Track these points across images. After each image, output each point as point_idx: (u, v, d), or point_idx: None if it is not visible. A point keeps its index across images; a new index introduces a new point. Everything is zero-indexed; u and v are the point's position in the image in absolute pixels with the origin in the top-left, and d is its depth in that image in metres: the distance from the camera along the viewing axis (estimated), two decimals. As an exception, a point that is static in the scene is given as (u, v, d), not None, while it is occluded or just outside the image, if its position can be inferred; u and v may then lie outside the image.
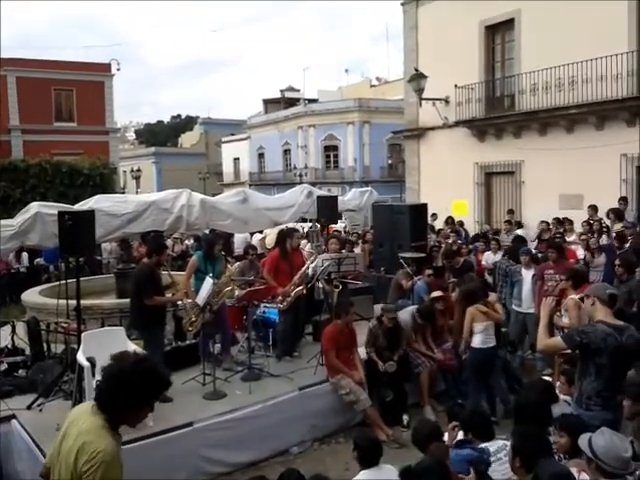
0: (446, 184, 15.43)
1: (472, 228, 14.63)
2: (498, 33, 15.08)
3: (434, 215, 13.99)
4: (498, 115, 14.59)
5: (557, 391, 4.32)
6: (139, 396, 2.47)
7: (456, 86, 14.95)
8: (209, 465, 5.45)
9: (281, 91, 43.02)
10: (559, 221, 11.41)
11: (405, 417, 6.42)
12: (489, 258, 9.96)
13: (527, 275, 8.05)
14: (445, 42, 15.37)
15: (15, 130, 28.34)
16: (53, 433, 5.04)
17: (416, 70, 15.24)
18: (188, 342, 7.10)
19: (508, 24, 14.49)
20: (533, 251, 9.10)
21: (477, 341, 6.19)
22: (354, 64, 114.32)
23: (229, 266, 7.00)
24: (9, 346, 6.97)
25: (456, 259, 9.12)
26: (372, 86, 40.86)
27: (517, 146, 14.21)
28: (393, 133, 22.90)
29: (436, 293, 7.31)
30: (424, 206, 10.68)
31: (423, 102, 15.59)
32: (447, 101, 15.62)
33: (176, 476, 5.19)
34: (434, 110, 15.75)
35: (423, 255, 8.86)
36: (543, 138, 13.69)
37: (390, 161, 33.92)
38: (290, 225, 9.64)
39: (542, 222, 11.76)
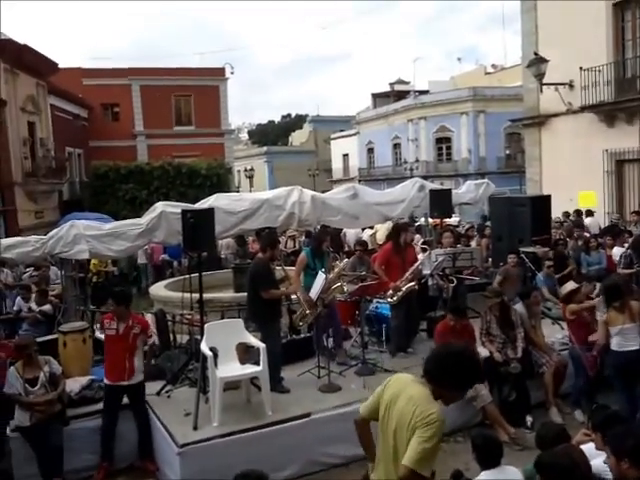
0: (571, 174, 14.41)
1: (603, 220, 13.53)
2: (628, 9, 13.85)
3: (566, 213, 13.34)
4: (630, 98, 13.35)
5: None
6: (463, 378, 2.81)
7: (581, 69, 13.89)
8: (324, 457, 5.50)
9: (390, 84, 42.57)
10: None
11: (529, 418, 6.08)
12: (619, 253, 9.13)
13: None
14: (567, 22, 14.34)
15: (140, 135, 30.61)
16: (180, 417, 5.41)
17: (536, 54, 14.37)
18: (302, 335, 7.23)
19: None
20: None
21: (614, 343, 5.68)
22: (467, 52, 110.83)
23: (337, 262, 7.01)
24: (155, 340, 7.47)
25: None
26: (487, 74, 39.21)
27: (653, 130, 12.94)
28: (511, 122, 21.80)
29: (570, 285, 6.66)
30: (547, 198, 10.00)
31: (544, 88, 14.66)
32: (571, 85, 14.58)
33: (291, 466, 5.30)
34: (556, 96, 14.76)
35: (546, 250, 8.31)
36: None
37: (508, 151, 32.27)
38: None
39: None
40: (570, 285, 6.58)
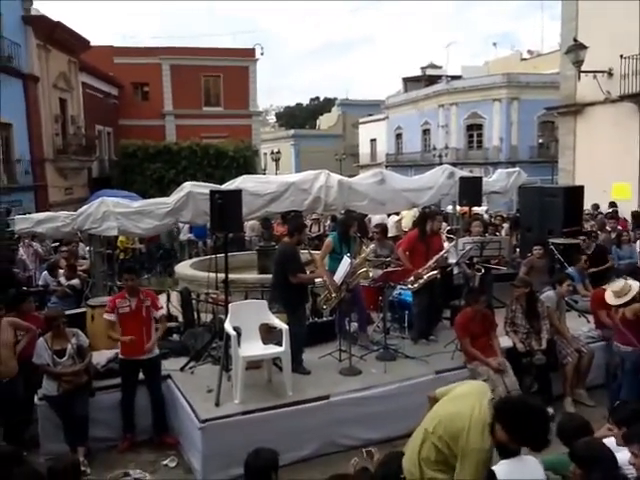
0: (606, 165, 14.06)
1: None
2: (674, -6, 13.31)
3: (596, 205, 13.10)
4: (671, 87, 12.93)
5: None
6: (530, 436, 2.85)
7: (622, 57, 13.45)
8: (341, 438, 5.54)
9: (422, 68, 41.87)
10: None
11: (550, 409, 5.99)
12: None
13: None
14: (609, 7, 13.89)
15: (169, 115, 30.76)
16: (203, 393, 5.50)
17: (575, 40, 13.96)
18: (325, 319, 7.24)
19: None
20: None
21: None
22: (503, 37, 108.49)
23: (364, 247, 6.99)
24: (165, 313, 7.62)
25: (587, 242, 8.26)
26: (523, 60, 38.27)
27: (694, 122, 12.52)
28: (546, 110, 21.25)
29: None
30: (580, 189, 9.77)
31: (582, 75, 14.26)
32: (610, 73, 14.15)
33: (308, 446, 5.37)
34: (594, 84, 14.34)
35: (577, 241, 8.15)
36: None
37: (541, 140, 31.57)
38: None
39: None
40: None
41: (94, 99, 26.29)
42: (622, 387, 5.92)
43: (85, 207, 8.14)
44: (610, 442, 3.77)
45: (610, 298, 5.89)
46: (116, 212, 7.77)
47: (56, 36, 20.91)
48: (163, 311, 6.11)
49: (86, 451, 5.30)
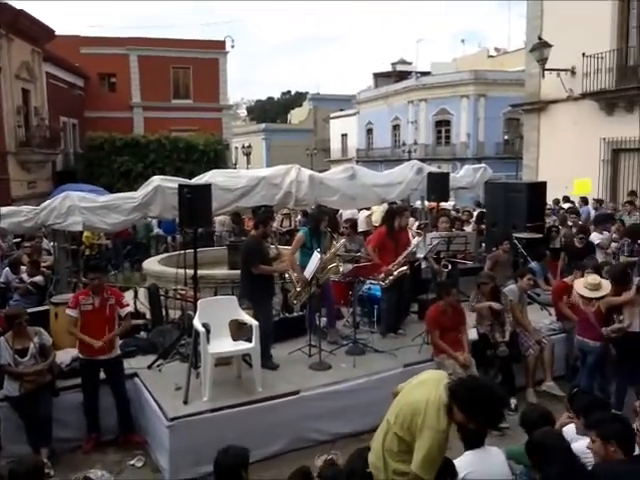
0: (567, 161, 14.41)
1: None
2: (635, -4, 13.68)
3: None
4: (631, 86, 13.29)
5: None
6: (486, 414, 2.89)
7: (584, 55, 13.78)
8: (311, 433, 5.57)
9: (392, 64, 42.13)
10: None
11: (513, 401, 6.14)
12: (597, 239, 9.23)
13: None
14: (573, 8, 14.19)
15: (137, 107, 30.16)
16: (171, 391, 5.45)
17: (540, 39, 14.24)
18: (295, 314, 7.26)
19: (647, -15, 13.11)
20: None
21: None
22: (471, 35, 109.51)
23: (335, 242, 7.02)
24: (132, 310, 7.51)
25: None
26: (490, 57, 38.84)
27: (651, 120, 12.91)
28: (512, 107, 21.67)
29: None
30: (543, 185, 10.00)
31: (546, 73, 14.55)
32: (573, 72, 14.50)
33: (278, 441, 5.37)
34: (558, 82, 14.69)
35: (540, 236, 8.34)
36: (682, 111, 12.33)
37: (506, 137, 32.13)
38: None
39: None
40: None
41: (59, 90, 25.60)
42: (581, 378, 6.11)
43: (49, 201, 7.95)
44: (570, 430, 3.90)
45: (584, 290, 6.03)
46: (81, 207, 7.62)
47: (19, 25, 20.27)
48: (129, 309, 6.00)
49: (49, 452, 5.19)
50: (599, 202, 13.24)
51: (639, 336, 5.89)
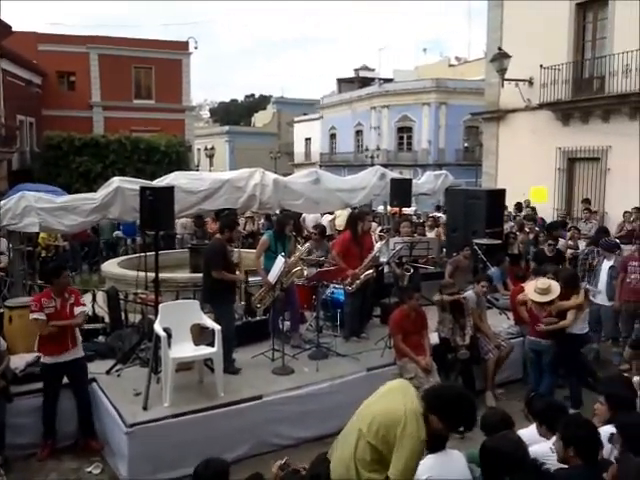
0: (525, 169, 14.82)
1: (550, 216, 14.00)
2: (590, 10, 14.20)
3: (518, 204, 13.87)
4: (586, 98, 13.79)
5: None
6: (459, 418, 2.98)
7: (541, 66, 14.22)
8: (274, 438, 5.56)
9: (355, 70, 42.53)
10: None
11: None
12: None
13: (605, 266, 7.66)
14: (532, 20, 14.61)
15: (97, 106, 29.49)
16: (130, 397, 5.34)
17: (499, 49, 14.61)
18: (258, 318, 7.22)
19: (602, 1, 13.57)
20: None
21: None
22: (433, 43, 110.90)
23: (299, 246, 7.03)
24: (90, 313, 7.34)
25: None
26: (451, 66, 39.65)
27: (604, 131, 13.41)
28: (472, 115, 22.14)
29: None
30: (502, 192, 10.28)
31: (505, 83, 14.94)
32: (531, 82, 14.91)
33: (241, 447, 5.33)
34: (516, 91, 15.07)
35: (498, 242, 8.56)
36: (634, 123, 12.83)
37: (466, 144, 32.84)
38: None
39: (626, 212, 11.13)
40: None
41: (15, 87, 24.79)
42: (542, 379, 6.30)
43: (4, 201, 7.67)
44: (531, 433, 3.99)
45: (534, 295, 6.23)
46: (38, 207, 7.38)
47: (-28, 19, 19.60)
48: (85, 308, 5.86)
49: (2, 460, 5.03)
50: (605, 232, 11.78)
51: (578, 338, 6.34)
